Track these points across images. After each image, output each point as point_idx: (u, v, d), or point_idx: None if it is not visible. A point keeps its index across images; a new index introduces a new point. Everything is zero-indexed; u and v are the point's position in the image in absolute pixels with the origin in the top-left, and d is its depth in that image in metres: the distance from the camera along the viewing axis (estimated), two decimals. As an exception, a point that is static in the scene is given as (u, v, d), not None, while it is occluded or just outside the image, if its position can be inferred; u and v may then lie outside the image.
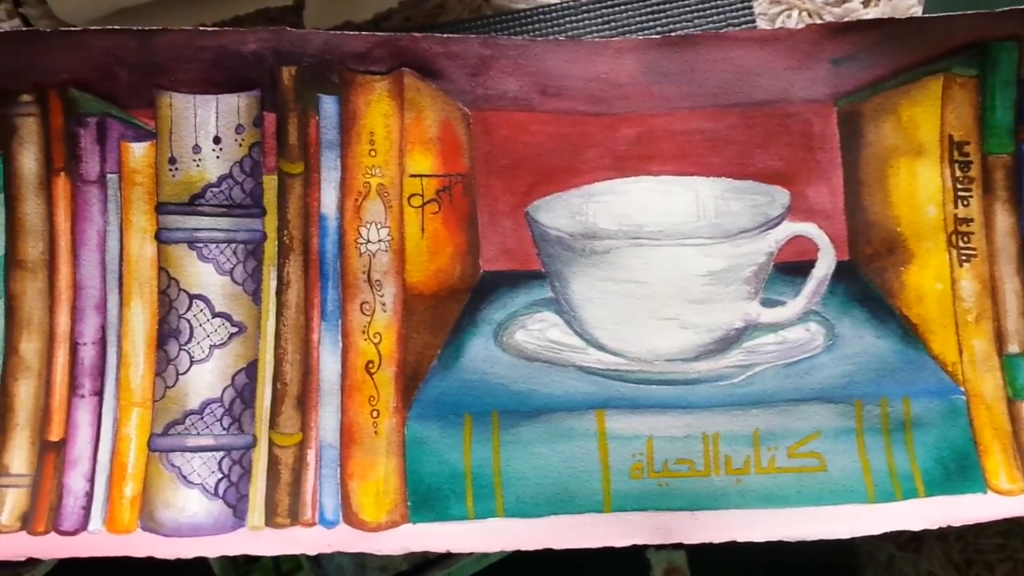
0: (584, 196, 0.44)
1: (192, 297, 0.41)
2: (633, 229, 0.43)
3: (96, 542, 0.38)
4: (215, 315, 0.41)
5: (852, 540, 0.42)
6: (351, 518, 0.40)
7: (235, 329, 0.41)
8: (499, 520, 0.41)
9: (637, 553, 0.47)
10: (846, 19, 0.51)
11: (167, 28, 0.40)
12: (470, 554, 0.42)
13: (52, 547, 0.38)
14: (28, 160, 0.40)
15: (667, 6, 0.48)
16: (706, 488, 0.42)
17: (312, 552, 0.38)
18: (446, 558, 0.44)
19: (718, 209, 0.44)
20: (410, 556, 0.44)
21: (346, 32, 0.41)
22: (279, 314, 0.42)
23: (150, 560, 0.38)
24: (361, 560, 0.44)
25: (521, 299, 0.43)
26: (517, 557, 0.42)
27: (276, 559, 0.43)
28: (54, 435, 0.40)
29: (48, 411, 0.40)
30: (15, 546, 0.38)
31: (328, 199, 0.42)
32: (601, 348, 0.43)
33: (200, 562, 0.40)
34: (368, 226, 0.42)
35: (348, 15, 0.46)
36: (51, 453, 0.40)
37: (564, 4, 0.48)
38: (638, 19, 0.48)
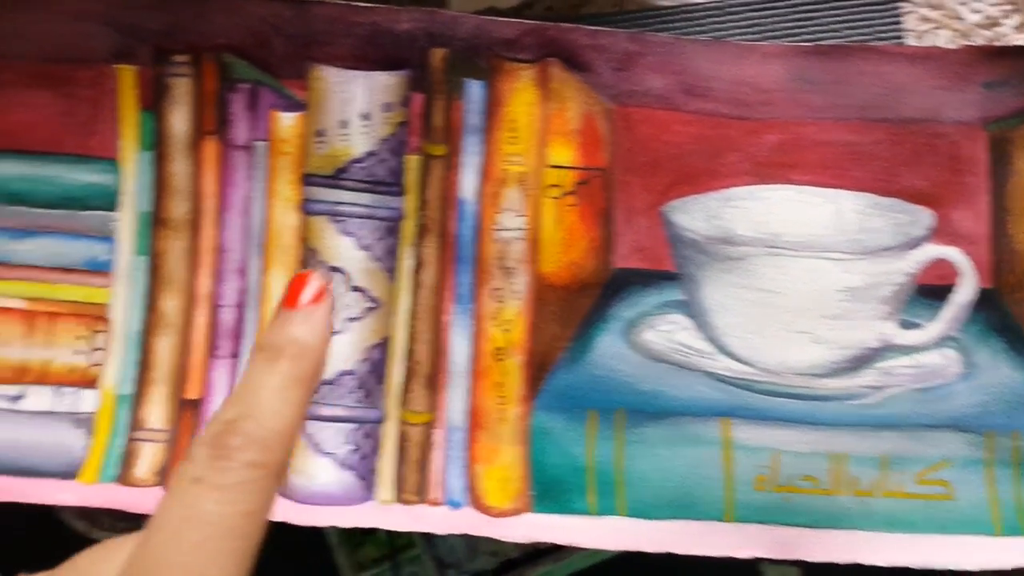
0: (722, 200, 0.43)
1: (331, 269, 0.41)
2: (770, 237, 0.43)
3: (228, 502, 0.39)
4: (352, 288, 0.41)
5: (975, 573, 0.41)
6: (476, 501, 0.40)
7: (371, 304, 0.41)
8: (621, 519, 0.40)
9: (750, 565, 0.46)
10: (997, 42, 0.49)
11: (324, 0, 0.40)
12: (581, 548, 0.42)
13: (185, 504, 0.38)
14: (178, 121, 0.41)
15: (815, 14, 0.47)
16: (830, 507, 0.41)
17: (441, 532, 0.38)
18: (556, 550, 0.44)
19: (860, 224, 0.43)
20: (521, 544, 0.44)
21: (498, 18, 0.41)
22: (414, 293, 0.42)
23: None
24: (473, 543, 0.44)
25: (652, 299, 0.42)
26: (624, 558, 0.42)
27: (390, 534, 0.43)
28: (191, 393, 0.40)
29: (186, 369, 0.41)
30: (151, 501, 0.38)
31: (468, 183, 0.42)
32: (731, 355, 0.42)
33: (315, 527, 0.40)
34: (505, 213, 0.42)
35: (494, 1, 0.46)
36: (188, 411, 0.40)
37: (709, 4, 0.47)
38: (784, 24, 0.47)
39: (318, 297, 0.27)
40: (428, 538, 0.44)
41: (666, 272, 0.42)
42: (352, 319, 0.41)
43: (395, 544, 0.44)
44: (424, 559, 0.44)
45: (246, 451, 0.25)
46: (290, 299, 0.27)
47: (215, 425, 0.25)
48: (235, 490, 0.24)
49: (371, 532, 0.44)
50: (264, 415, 0.25)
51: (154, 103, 0.41)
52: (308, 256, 0.41)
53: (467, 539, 0.44)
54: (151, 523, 0.24)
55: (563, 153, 0.42)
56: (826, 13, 0.48)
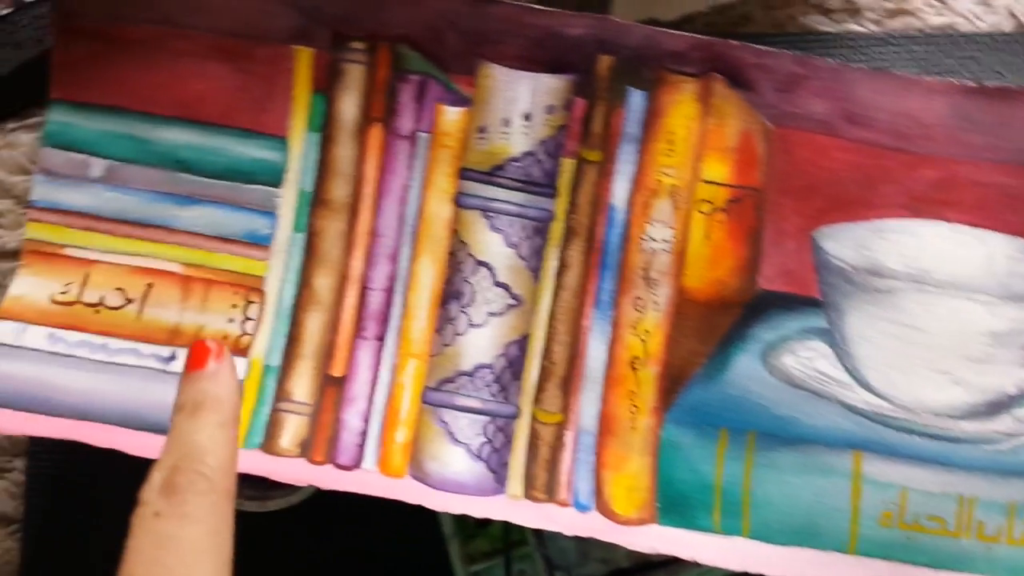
0: (874, 231, 0.43)
1: (478, 263, 0.42)
2: (920, 273, 0.42)
3: (370, 481, 0.40)
4: (496, 284, 0.42)
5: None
6: (603, 507, 0.40)
7: (513, 301, 0.42)
8: (745, 540, 0.40)
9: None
10: None
11: (501, 0, 0.41)
12: (696, 564, 0.42)
13: (330, 478, 0.39)
14: (348, 105, 0.42)
15: (978, 54, 0.47)
16: (953, 549, 0.41)
17: (568, 532, 0.39)
18: (668, 564, 0.44)
19: (1010, 269, 0.43)
20: (633, 555, 0.44)
21: (667, 30, 0.41)
22: (555, 294, 0.42)
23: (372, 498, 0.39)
24: (584, 548, 0.44)
25: (794, 323, 0.42)
26: (736, 578, 0.42)
27: (506, 529, 0.44)
28: (336, 370, 0.41)
29: (333, 347, 0.41)
30: (295, 471, 0.40)
31: (620, 191, 0.42)
32: (868, 388, 0.42)
33: (427, 511, 0.41)
34: (654, 224, 0.42)
35: (656, 12, 0.46)
36: (332, 387, 0.41)
37: (872, 34, 0.47)
38: (947, 61, 0.47)
39: (218, 356, 0.30)
40: (540, 538, 0.44)
41: (811, 298, 0.42)
42: (493, 314, 0.42)
43: (509, 540, 0.44)
44: (535, 558, 0.45)
45: (196, 484, 0.27)
46: (195, 363, 0.30)
47: (160, 473, 0.28)
48: (194, 515, 0.27)
49: (485, 526, 0.45)
50: (202, 455, 0.28)
51: (327, 86, 0.42)
52: (457, 248, 0.42)
53: (579, 543, 0.44)
54: (125, 558, 0.26)
55: (718, 169, 0.42)
56: (990, 54, 0.47)
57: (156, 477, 0.27)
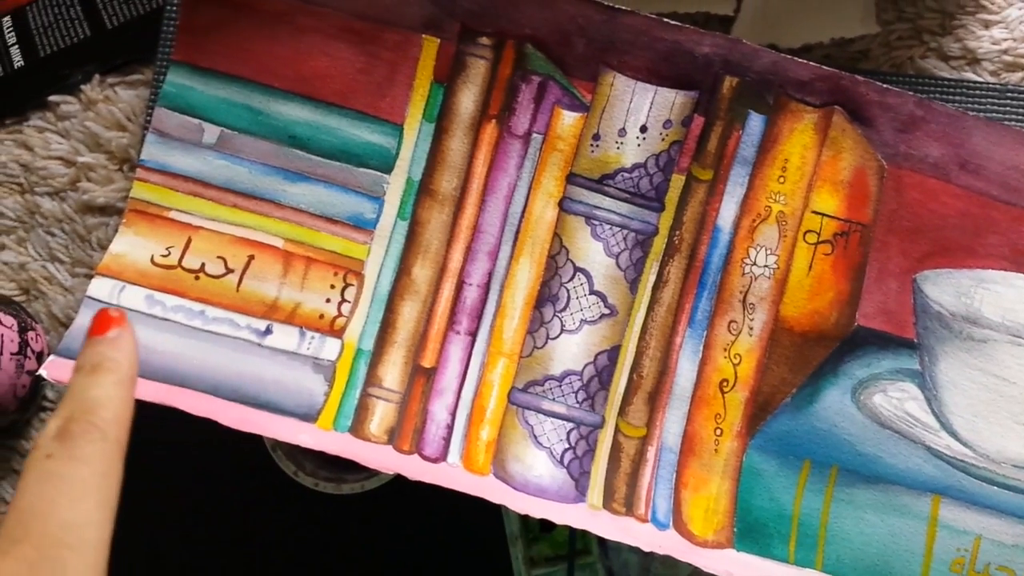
0: (975, 280, 0.43)
1: (577, 269, 0.42)
2: (1017, 327, 0.42)
3: (454, 475, 0.40)
4: (592, 292, 0.42)
5: None
6: (680, 526, 0.40)
7: (607, 311, 0.42)
8: (817, 573, 0.40)
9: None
10: None
11: (634, 11, 0.40)
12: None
13: (416, 469, 0.39)
14: (466, 99, 0.42)
15: (1088, 110, 0.47)
16: (1022, 603, 0.41)
17: (646, 548, 0.39)
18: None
19: (1106, 330, 0.43)
20: (695, 574, 0.44)
21: (795, 59, 0.41)
22: (650, 308, 0.42)
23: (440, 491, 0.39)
24: (646, 564, 0.44)
25: (887, 363, 0.42)
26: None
27: (572, 537, 0.44)
28: (427, 361, 0.41)
29: (425, 338, 0.41)
30: (383, 458, 0.39)
31: (727, 212, 0.42)
32: (953, 435, 0.42)
33: (492, 508, 0.41)
34: (758, 249, 0.42)
35: (775, 39, 0.46)
36: (421, 377, 0.41)
37: (990, 84, 0.46)
38: (1057, 115, 0.46)
39: (119, 323, 0.33)
40: (604, 549, 0.44)
41: (906, 339, 0.42)
42: (586, 321, 0.42)
43: (573, 548, 0.44)
44: (598, 569, 0.44)
45: (88, 433, 0.29)
46: (98, 329, 0.33)
47: (55, 421, 0.29)
48: (83, 457, 0.28)
49: (549, 530, 0.45)
50: (96, 408, 0.30)
51: (448, 78, 0.42)
52: (557, 252, 0.42)
53: (641, 558, 0.44)
54: (16, 493, 0.28)
55: (828, 201, 0.42)
56: (1101, 110, 0.47)
57: (52, 425, 0.29)
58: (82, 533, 0.27)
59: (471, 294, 0.42)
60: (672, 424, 0.42)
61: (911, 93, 0.41)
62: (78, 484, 0.28)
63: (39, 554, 0.26)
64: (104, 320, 0.33)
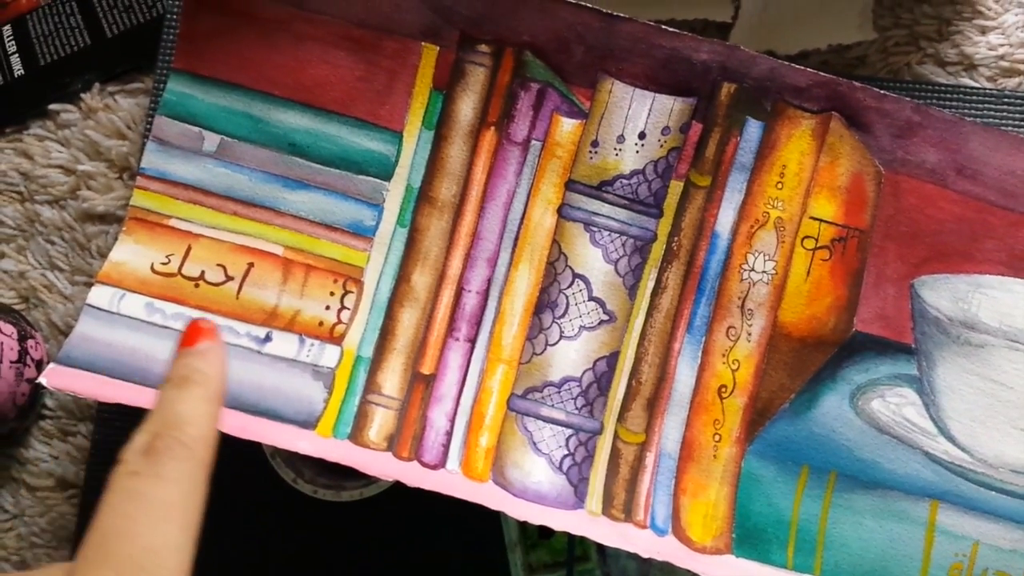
0: (972, 285, 0.43)
1: (575, 276, 0.42)
2: (1014, 332, 0.42)
3: (453, 482, 0.40)
4: (591, 298, 0.42)
5: None
6: (679, 532, 0.40)
7: (606, 317, 0.42)
8: (816, 579, 0.41)
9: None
10: None
11: (632, 18, 0.41)
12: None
13: (415, 475, 0.39)
14: (465, 106, 0.42)
15: (1085, 115, 0.47)
16: (1020, 608, 0.41)
17: (645, 554, 0.39)
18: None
19: (1103, 335, 0.43)
20: (694, 582, 0.44)
21: (793, 65, 0.41)
22: (649, 314, 0.42)
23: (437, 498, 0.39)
24: (645, 570, 0.44)
25: (885, 368, 0.42)
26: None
27: (571, 543, 0.44)
28: (426, 368, 0.41)
29: (424, 345, 0.42)
30: (382, 464, 0.40)
31: (725, 218, 0.42)
32: (951, 440, 0.42)
33: (491, 515, 0.41)
34: (756, 255, 0.42)
35: (774, 45, 0.46)
36: (420, 384, 0.41)
37: (986, 90, 0.47)
38: (1054, 121, 0.47)
39: (211, 335, 0.32)
40: (603, 556, 0.44)
41: (904, 344, 0.42)
42: (585, 328, 0.42)
43: (572, 554, 0.44)
44: (597, 575, 0.45)
45: (175, 450, 0.28)
46: (188, 340, 0.32)
47: (142, 436, 0.29)
48: (168, 476, 0.28)
49: (548, 537, 0.45)
50: (184, 424, 0.29)
51: (447, 85, 0.42)
52: (556, 258, 0.42)
53: (640, 564, 0.44)
54: (98, 511, 0.27)
55: (826, 207, 0.42)
56: (1097, 116, 0.47)
57: (138, 440, 0.28)
58: (163, 559, 0.26)
59: (470, 301, 0.42)
60: (671, 430, 0.42)
61: (908, 99, 0.41)
62: (162, 506, 0.27)
63: None
64: (195, 331, 0.32)
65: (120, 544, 0.26)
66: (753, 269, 0.42)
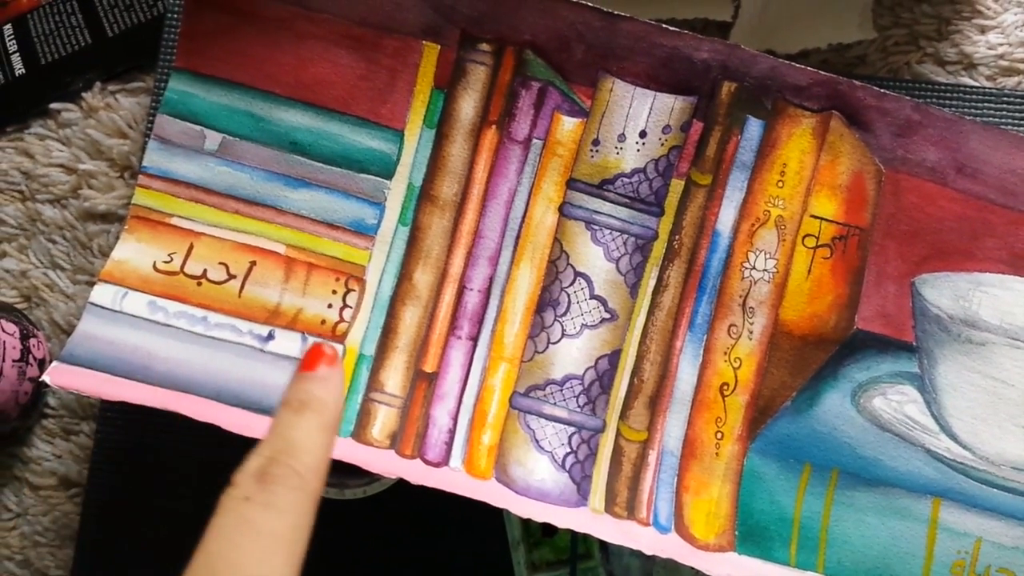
0: (973, 283, 0.43)
1: (577, 274, 0.42)
2: (1015, 330, 0.42)
3: (456, 480, 0.40)
4: (592, 296, 0.42)
5: None
6: (682, 530, 0.41)
7: (607, 315, 0.42)
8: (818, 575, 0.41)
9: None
10: None
11: (633, 17, 0.41)
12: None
13: (418, 473, 0.39)
14: (466, 105, 0.42)
15: (1085, 114, 0.47)
16: (1022, 605, 0.41)
17: (648, 552, 0.39)
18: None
19: (1104, 333, 0.43)
20: (697, 578, 0.45)
21: (793, 64, 0.41)
22: (650, 313, 0.42)
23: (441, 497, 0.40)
24: (648, 568, 0.44)
25: (887, 366, 0.42)
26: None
27: (574, 541, 0.44)
28: (428, 366, 0.42)
29: (427, 343, 0.42)
30: (385, 462, 0.40)
31: (726, 217, 0.42)
32: (952, 437, 0.42)
33: (494, 513, 0.41)
34: (757, 253, 0.42)
35: (773, 44, 0.47)
36: (423, 382, 0.41)
37: (985, 89, 0.47)
38: (1054, 120, 0.47)
39: (331, 361, 0.31)
40: (606, 553, 0.44)
41: (905, 342, 0.42)
42: (586, 326, 0.42)
43: (575, 552, 0.44)
44: (600, 573, 0.45)
45: (288, 479, 0.28)
46: (308, 364, 0.31)
47: (257, 460, 0.28)
48: (281, 506, 0.27)
49: (551, 535, 0.45)
50: (299, 452, 0.28)
51: (448, 84, 0.42)
52: (558, 257, 0.42)
53: (643, 562, 0.44)
54: (207, 534, 0.27)
55: (827, 205, 0.42)
56: (1097, 114, 0.47)
57: (252, 463, 0.28)
58: None
59: (472, 299, 0.42)
60: (673, 428, 0.42)
61: (908, 98, 0.41)
62: (271, 537, 0.27)
63: None
64: (316, 355, 0.31)
65: (227, 572, 0.26)
66: (754, 267, 0.42)
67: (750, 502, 0.41)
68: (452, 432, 0.41)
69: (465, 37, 0.42)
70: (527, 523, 0.44)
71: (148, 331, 0.40)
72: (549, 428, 0.41)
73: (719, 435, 0.42)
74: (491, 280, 0.42)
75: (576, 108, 0.42)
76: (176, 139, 0.42)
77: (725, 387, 0.42)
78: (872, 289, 0.42)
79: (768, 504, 0.41)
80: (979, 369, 0.42)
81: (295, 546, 0.27)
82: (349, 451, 0.39)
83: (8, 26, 0.52)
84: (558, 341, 0.42)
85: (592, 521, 0.40)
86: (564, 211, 0.42)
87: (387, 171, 0.42)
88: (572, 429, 0.41)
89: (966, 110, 0.47)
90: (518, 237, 0.42)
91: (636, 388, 0.42)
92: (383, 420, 0.41)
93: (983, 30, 0.48)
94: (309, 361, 0.31)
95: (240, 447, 0.40)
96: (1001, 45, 0.48)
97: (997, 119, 0.46)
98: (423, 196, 0.42)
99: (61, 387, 0.38)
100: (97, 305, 0.41)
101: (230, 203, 0.42)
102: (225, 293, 0.41)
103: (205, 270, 0.42)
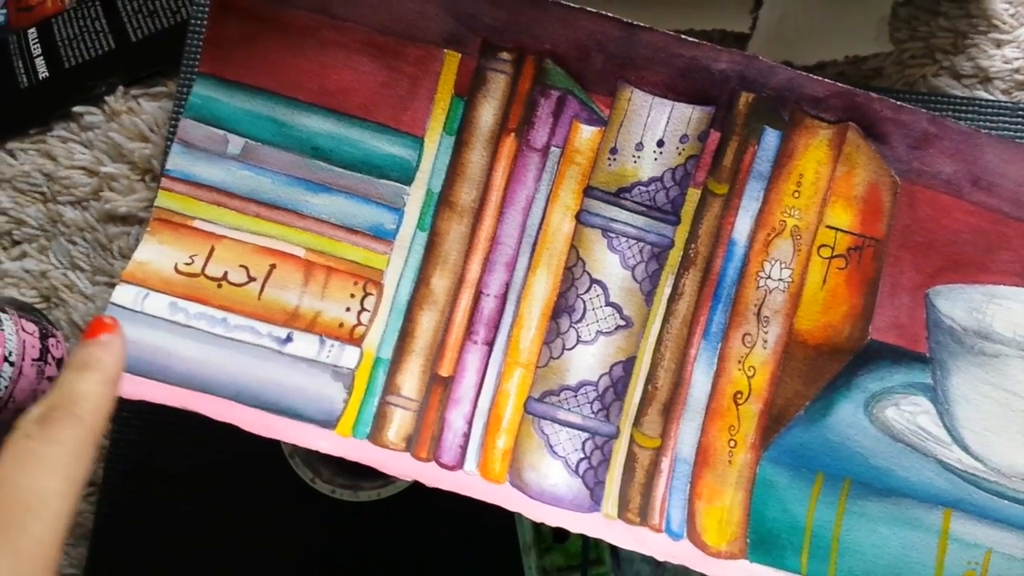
0: (987, 295, 0.43)
1: (593, 281, 0.42)
2: (1028, 342, 0.43)
3: (471, 483, 0.40)
4: (608, 304, 0.42)
5: None
6: (694, 537, 0.41)
7: (623, 322, 0.42)
8: (831, 585, 0.41)
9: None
10: None
11: (652, 27, 0.41)
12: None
13: (433, 476, 0.40)
14: (486, 113, 0.43)
15: (1099, 129, 0.47)
16: (1032, 617, 0.41)
17: (660, 558, 0.39)
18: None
19: (1117, 347, 0.43)
20: (709, 586, 0.45)
21: (811, 75, 0.42)
22: (665, 320, 0.43)
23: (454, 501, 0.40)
24: (659, 574, 0.44)
25: (900, 377, 0.43)
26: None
27: (585, 547, 0.44)
28: (444, 370, 0.42)
29: (443, 347, 0.42)
30: (401, 465, 0.40)
31: (742, 226, 0.43)
32: (965, 448, 0.42)
33: (506, 518, 0.41)
34: (773, 263, 0.42)
35: (791, 56, 0.47)
36: (439, 386, 0.42)
37: (1002, 103, 0.47)
38: (1068, 134, 0.47)
39: (111, 329, 0.35)
40: (616, 559, 0.45)
41: (919, 353, 0.43)
42: (601, 332, 0.42)
43: (587, 557, 0.44)
44: (611, 578, 0.45)
45: (66, 419, 0.31)
46: (91, 333, 0.35)
47: (39, 408, 0.31)
48: (59, 439, 0.30)
49: (562, 540, 0.45)
50: (78, 399, 0.32)
51: (468, 92, 0.42)
52: (574, 264, 0.42)
53: (654, 568, 0.44)
54: None
55: (842, 216, 0.42)
56: (1111, 130, 0.47)
57: (35, 411, 0.31)
58: (47, 502, 0.29)
59: (488, 304, 0.42)
60: (686, 435, 0.42)
61: (924, 111, 0.42)
62: (50, 461, 0.30)
63: (5, 515, 0.28)
64: (98, 326, 0.35)
65: (8, 489, 0.29)
66: (769, 277, 0.42)
67: (762, 510, 0.41)
68: (467, 436, 0.41)
69: (486, 46, 0.42)
70: (539, 528, 0.44)
71: (168, 331, 0.41)
72: (563, 433, 0.42)
73: (732, 443, 0.42)
74: (508, 286, 0.43)
75: (594, 117, 0.43)
76: (199, 143, 0.43)
77: (739, 395, 0.42)
78: (886, 300, 0.43)
79: (780, 512, 0.41)
80: (992, 381, 0.42)
81: (74, 470, 0.30)
82: (365, 453, 0.40)
83: (33, 30, 0.53)
84: (573, 347, 0.42)
85: (605, 526, 0.40)
86: (581, 218, 0.43)
87: (407, 177, 0.43)
88: (586, 435, 0.42)
89: (982, 123, 0.47)
90: (535, 244, 0.43)
91: (650, 395, 0.42)
92: (399, 423, 0.41)
93: (999, 44, 0.48)
94: (92, 331, 0.35)
95: (254, 448, 0.41)
96: (1017, 59, 0.48)
97: (1012, 132, 0.47)
98: (442, 202, 0.43)
99: (82, 386, 0.39)
100: (119, 305, 0.41)
101: (251, 207, 0.43)
102: (245, 295, 0.42)
103: (226, 272, 0.42)
